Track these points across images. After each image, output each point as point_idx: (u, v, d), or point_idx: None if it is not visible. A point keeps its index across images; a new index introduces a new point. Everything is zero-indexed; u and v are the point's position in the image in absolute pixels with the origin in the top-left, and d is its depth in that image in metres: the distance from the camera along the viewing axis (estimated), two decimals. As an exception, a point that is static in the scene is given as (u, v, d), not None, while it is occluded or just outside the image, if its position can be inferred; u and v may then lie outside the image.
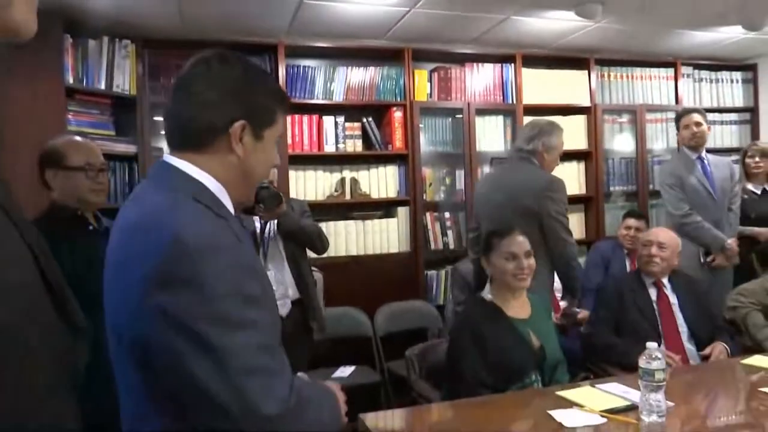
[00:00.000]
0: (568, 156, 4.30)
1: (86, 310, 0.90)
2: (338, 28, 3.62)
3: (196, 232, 0.92)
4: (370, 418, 1.64)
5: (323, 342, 2.93)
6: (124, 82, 3.34)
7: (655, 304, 2.49)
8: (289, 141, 3.64)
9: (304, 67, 3.77)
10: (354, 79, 3.83)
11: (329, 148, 3.75)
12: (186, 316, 0.88)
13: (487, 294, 2.17)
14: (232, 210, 1.06)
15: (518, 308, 2.13)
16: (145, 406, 0.96)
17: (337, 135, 3.78)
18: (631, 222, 3.54)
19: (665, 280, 2.55)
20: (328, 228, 3.69)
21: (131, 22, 3.26)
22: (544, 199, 2.51)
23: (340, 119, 3.78)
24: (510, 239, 2.14)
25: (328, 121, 3.76)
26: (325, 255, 2.95)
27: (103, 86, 3.25)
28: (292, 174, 3.66)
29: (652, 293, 2.52)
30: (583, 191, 4.34)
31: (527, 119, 4.08)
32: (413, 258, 3.84)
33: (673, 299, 2.51)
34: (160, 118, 3.53)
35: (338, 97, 3.79)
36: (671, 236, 2.59)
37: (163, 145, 3.55)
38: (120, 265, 0.96)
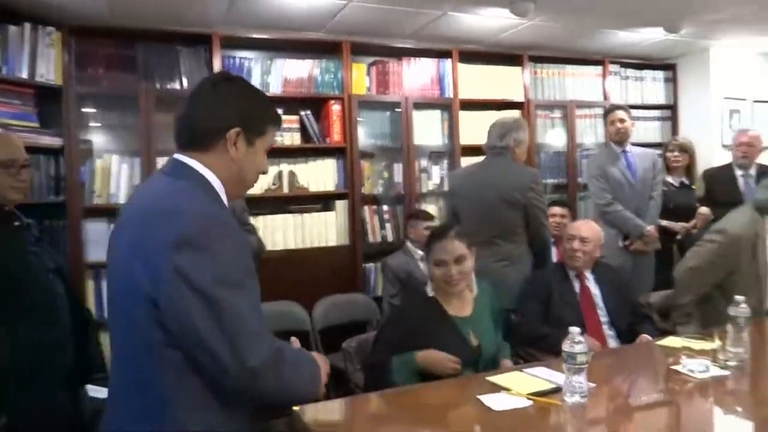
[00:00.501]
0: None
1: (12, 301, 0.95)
2: (276, 20, 3.58)
3: (209, 211, 1.19)
4: (305, 411, 1.65)
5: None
6: (49, 71, 3.19)
7: (578, 296, 2.60)
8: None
9: (241, 58, 3.72)
10: (292, 71, 3.80)
11: (267, 141, 3.71)
12: (200, 277, 1.10)
13: (429, 289, 2.19)
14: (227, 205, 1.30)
15: (459, 306, 2.14)
16: (159, 370, 1.15)
17: (274, 128, 3.74)
18: (556, 210, 3.69)
19: (588, 273, 2.66)
20: (266, 222, 3.66)
21: (56, 8, 3.12)
22: (529, 191, 2.80)
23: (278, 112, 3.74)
24: (441, 245, 2.12)
25: (266, 113, 3.72)
26: (263, 249, 2.93)
27: (25, 75, 3.09)
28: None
29: (576, 285, 2.63)
30: (517, 184, 4.47)
31: (464, 114, 4.19)
32: (352, 251, 3.86)
33: (595, 290, 2.61)
34: (89, 110, 3.44)
35: (276, 90, 3.76)
36: (594, 230, 2.69)
37: (93, 137, 3.46)
38: (143, 238, 1.16)
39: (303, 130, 3.85)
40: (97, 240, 3.26)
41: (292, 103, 3.83)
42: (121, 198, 3.39)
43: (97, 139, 3.48)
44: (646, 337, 2.42)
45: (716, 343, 1.95)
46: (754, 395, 1.80)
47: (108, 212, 3.32)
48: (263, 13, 3.45)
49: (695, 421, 1.65)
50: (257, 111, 1.32)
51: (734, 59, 4.96)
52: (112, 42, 3.46)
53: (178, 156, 1.29)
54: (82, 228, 3.27)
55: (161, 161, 3.40)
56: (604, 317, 2.57)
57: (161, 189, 1.24)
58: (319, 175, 3.88)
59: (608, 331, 2.54)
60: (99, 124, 3.49)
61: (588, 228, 2.70)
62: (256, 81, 3.71)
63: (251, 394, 1.17)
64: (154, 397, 1.17)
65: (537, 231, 2.86)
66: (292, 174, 3.79)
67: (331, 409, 1.75)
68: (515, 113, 4.44)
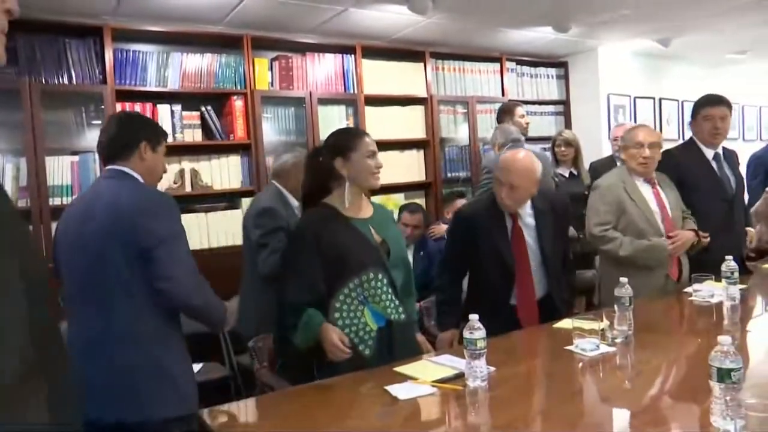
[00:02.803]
0: (408, 144, 4.51)
1: None
2: (171, 12, 3.44)
3: (158, 193, 1.98)
4: (209, 414, 1.61)
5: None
6: None
7: (509, 236, 2.54)
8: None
9: (135, 51, 3.54)
10: (190, 65, 3.67)
11: (166, 138, 3.56)
12: (161, 231, 1.78)
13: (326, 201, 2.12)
14: None
15: (358, 210, 2.09)
16: (132, 303, 1.78)
17: (173, 124, 3.61)
18: (407, 218, 3.69)
19: (522, 210, 2.56)
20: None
21: None
22: None
23: (177, 108, 3.61)
24: (368, 138, 2.12)
25: (164, 109, 3.57)
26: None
27: None
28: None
29: (508, 224, 2.56)
30: (423, 178, 4.58)
31: (369, 109, 4.23)
32: (260, 249, 3.79)
33: (528, 230, 2.55)
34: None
35: (174, 85, 3.62)
36: (525, 176, 2.48)
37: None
38: (118, 219, 1.77)
39: (204, 126, 3.73)
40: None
41: (192, 98, 3.71)
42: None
43: (-25, 137, 3.21)
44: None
45: (604, 323, 2.09)
46: (637, 367, 1.95)
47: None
48: (157, 5, 3.32)
49: (588, 396, 1.76)
50: (153, 130, 1.99)
51: (618, 58, 5.34)
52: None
53: (112, 166, 1.90)
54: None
55: (52, 161, 3.23)
56: (535, 256, 2.53)
57: (115, 187, 1.84)
58: (224, 172, 3.78)
59: (537, 273, 2.54)
60: (-25, 122, 3.22)
61: (518, 177, 2.48)
62: (152, 75, 3.56)
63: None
64: (136, 334, 1.78)
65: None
66: (194, 172, 3.67)
67: (238, 411, 1.72)
68: (419, 108, 4.54)
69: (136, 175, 1.90)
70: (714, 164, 3.11)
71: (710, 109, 3.11)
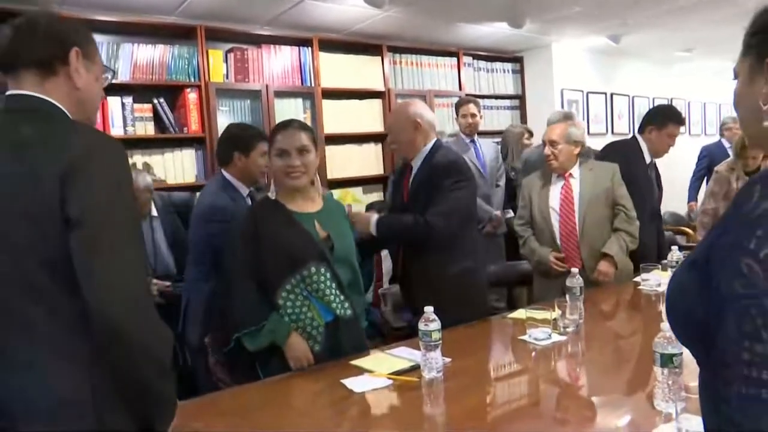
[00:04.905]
0: (366, 138, 4.51)
1: None
2: (121, 1, 3.35)
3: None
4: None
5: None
6: None
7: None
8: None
9: (83, 41, 3.42)
10: (142, 57, 3.57)
11: (116, 131, 3.47)
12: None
13: (272, 193, 2.09)
14: None
15: (304, 204, 2.04)
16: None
17: (124, 117, 3.51)
18: None
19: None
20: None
21: None
22: None
23: (128, 100, 3.51)
24: (284, 135, 1.99)
25: (114, 101, 3.47)
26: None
27: None
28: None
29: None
30: (381, 171, 4.59)
31: (327, 102, 4.21)
32: (216, 244, 3.74)
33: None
34: None
35: (124, 77, 3.51)
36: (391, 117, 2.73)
37: None
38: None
39: (157, 119, 3.64)
40: None
41: (143, 90, 3.61)
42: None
43: None
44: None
45: (556, 312, 2.15)
46: (586, 355, 2.01)
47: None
48: (106, -7, 3.21)
49: (541, 385, 1.81)
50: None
51: (571, 54, 5.46)
52: None
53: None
54: None
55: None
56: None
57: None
58: (177, 166, 3.70)
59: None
60: None
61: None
62: (101, 66, 3.44)
63: None
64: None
65: None
66: (146, 166, 3.58)
67: (187, 410, 1.69)
68: (377, 102, 4.54)
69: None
70: (648, 170, 3.23)
71: (679, 128, 3.19)
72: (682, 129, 3.19)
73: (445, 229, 2.29)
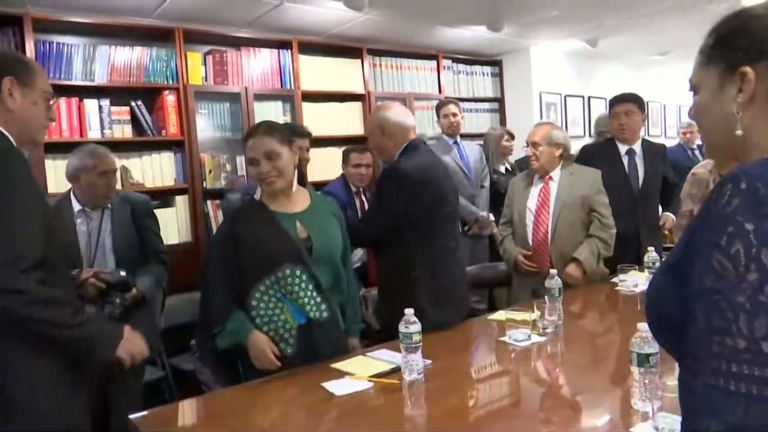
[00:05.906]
0: (346, 141, 4.50)
1: None
2: (98, 3, 3.31)
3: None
4: (141, 420, 1.57)
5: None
6: None
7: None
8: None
9: (59, 43, 3.37)
10: (119, 59, 3.53)
11: (93, 134, 3.42)
12: None
13: (257, 194, 2.09)
14: None
15: (288, 204, 2.03)
16: None
17: (102, 120, 3.46)
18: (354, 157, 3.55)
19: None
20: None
21: None
22: None
23: (105, 103, 3.47)
24: (251, 143, 1.97)
25: (91, 104, 3.42)
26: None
27: None
28: (50, 164, 3.26)
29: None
30: (362, 174, 4.58)
31: (306, 105, 4.20)
32: (194, 248, 3.71)
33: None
34: None
35: (102, 79, 3.47)
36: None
37: None
38: None
39: (135, 121, 3.60)
40: None
41: (121, 92, 3.57)
42: None
43: None
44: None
45: (535, 314, 2.17)
46: (565, 355, 2.03)
47: None
48: (82, -5, 3.17)
49: (521, 385, 1.82)
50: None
51: (549, 58, 5.51)
52: None
53: None
54: None
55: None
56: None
57: None
58: (156, 169, 3.66)
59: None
60: None
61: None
62: (77, 69, 3.40)
63: None
64: None
65: None
66: (124, 169, 3.53)
67: (172, 414, 1.68)
68: (357, 105, 4.54)
69: None
70: (626, 159, 3.27)
71: (616, 106, 3.34)
72: (622, 108, 3.29)
73: (367, 233, 2.36)
